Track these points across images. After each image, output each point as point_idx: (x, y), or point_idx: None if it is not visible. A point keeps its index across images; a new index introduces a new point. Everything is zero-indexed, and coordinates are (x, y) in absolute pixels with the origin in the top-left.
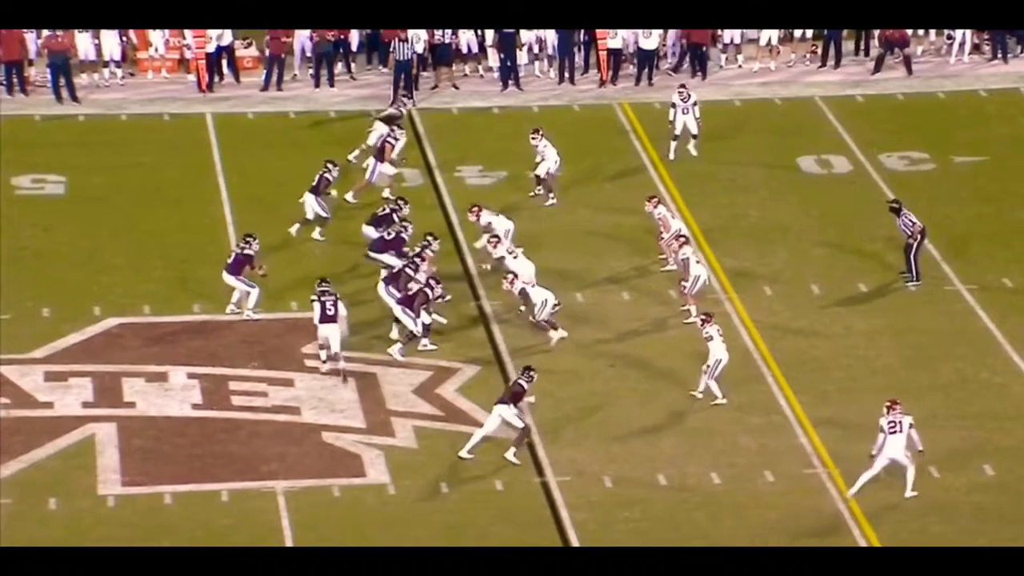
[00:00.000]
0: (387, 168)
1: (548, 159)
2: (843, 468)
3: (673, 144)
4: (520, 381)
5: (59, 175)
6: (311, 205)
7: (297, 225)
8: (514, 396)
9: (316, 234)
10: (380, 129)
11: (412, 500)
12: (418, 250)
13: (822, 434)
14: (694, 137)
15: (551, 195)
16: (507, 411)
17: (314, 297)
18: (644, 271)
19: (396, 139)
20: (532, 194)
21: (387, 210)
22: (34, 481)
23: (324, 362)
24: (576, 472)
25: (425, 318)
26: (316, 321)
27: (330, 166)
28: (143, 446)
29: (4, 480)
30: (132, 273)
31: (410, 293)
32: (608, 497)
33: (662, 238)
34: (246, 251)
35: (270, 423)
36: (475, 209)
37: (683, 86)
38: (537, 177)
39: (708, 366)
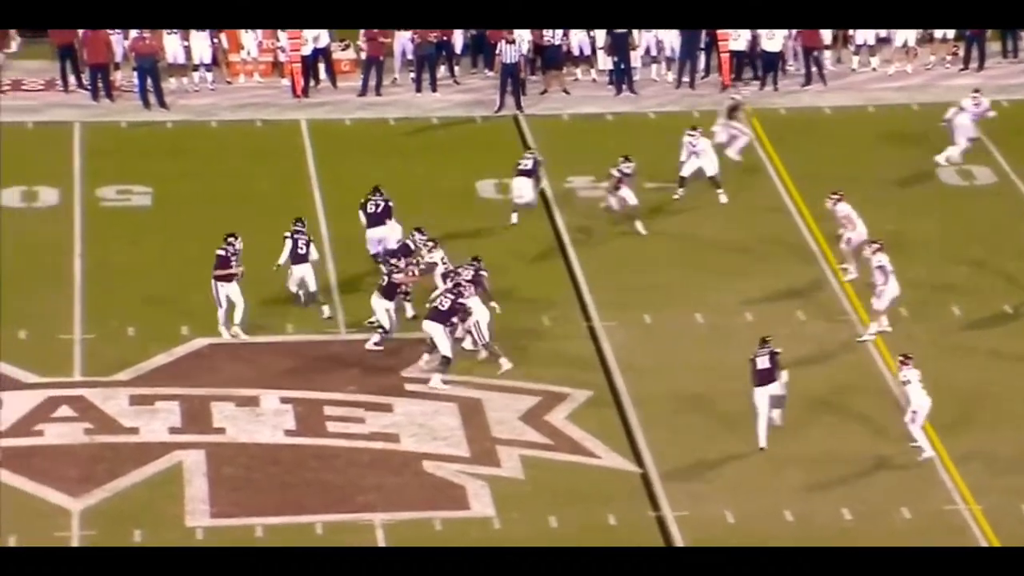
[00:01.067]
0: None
1: (709, 159)
2: (986, 504)
3: (680, 191)
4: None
5: (146, 186)
6: (525, 190)
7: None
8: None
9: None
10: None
11: (519, 535)
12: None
13: (963, 468)
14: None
15: (720, 191)
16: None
17: (287, 234)
18: (767, 285)
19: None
20: (676, 196)
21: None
22: (119, 511)
23: (305, 304)
24: (694, 506)
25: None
26: (285, 258)
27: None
28: (233, 475)
29: (88, 510)
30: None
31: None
32: (730, 534)
33: (846, 240)
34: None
35: (367, 451)
36: None
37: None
38: (682, 179)
39: (913, 413)
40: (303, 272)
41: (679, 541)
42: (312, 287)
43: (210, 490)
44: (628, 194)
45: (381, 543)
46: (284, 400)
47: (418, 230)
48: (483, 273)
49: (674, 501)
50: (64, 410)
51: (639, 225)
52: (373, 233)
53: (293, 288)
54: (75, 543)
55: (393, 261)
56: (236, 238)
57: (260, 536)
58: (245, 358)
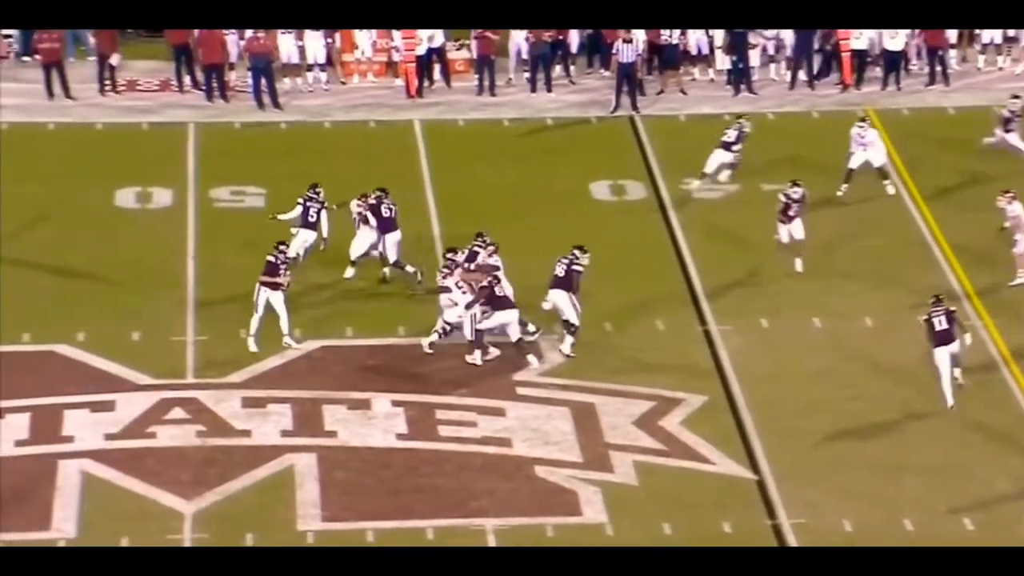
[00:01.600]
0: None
1: (877, 150)
2: None
3: (844, 186)
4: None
5: (259, 187)
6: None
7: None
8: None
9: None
10: None
11: (632, 542)
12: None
13: None
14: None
15: (887, 182)
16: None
17: (300, 200)
18: (886, 290)
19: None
20: (839, 192)
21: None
22: (230, 515)
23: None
24: (812, 514)
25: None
26: (297, 225)
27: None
28: (345, 479)
29: (200, 513)
30: (335, 292)
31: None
32: (848, 542)
33: (1016, 242)
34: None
35: (479, 455)
36: None
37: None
38: (849, 171)
39: None
40: (308, 238)
41: None
42: (303, 254)
43: (321, 494)
44: (797, 227)
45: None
46: (396, 403)
47: (480, 235)
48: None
49: (790, 509)
50: (177, 412)
51: (798, 264)
52: (392, 237)
53: (294, 252)
54: (187, 545)
55: (466, 265)
56: (287, 246)
57: (371, 540)
58: (358, 361)
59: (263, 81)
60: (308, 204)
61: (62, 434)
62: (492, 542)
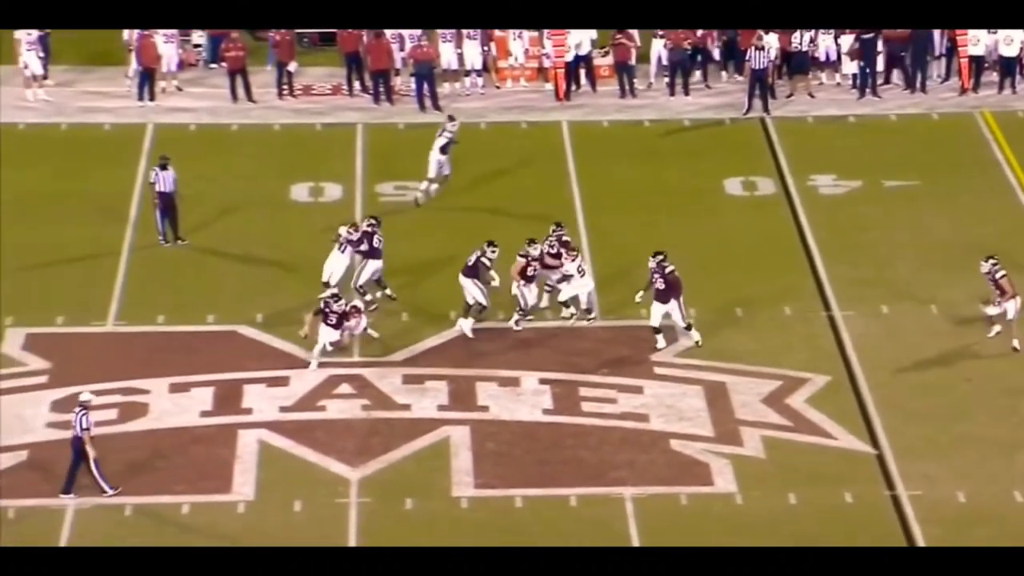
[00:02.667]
0: None
1: None
2: None
3: None
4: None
5: (420, 182)
6: None
7: None
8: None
9: None
10: None
11: (760, 511)
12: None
13: None
14: None
15: None
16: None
17: (363, 230)
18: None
19: None
20: None
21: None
22: (392, 481)
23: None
24: (928, 487)
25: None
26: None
27: None
28: (495, 450)
29: (364, 480)
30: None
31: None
32: (961, 513)
33: None
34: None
35: (619, 430)
36: None
37: None
38: None
39: None
40: (376, 266)
41: (913, 520)
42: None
43: (474, 463)
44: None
45: (630, 516)
46: (543, 381)
47: (558, 224)
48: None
49: (908, 481)
50: (344, 388)
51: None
52: (374, 264)
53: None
54: (352, 510)
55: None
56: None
57: (519, 507)
58: (508, 342)
59: (425, 86)
60: (373, 233)
61: (242, 406)
62: (630, 509)
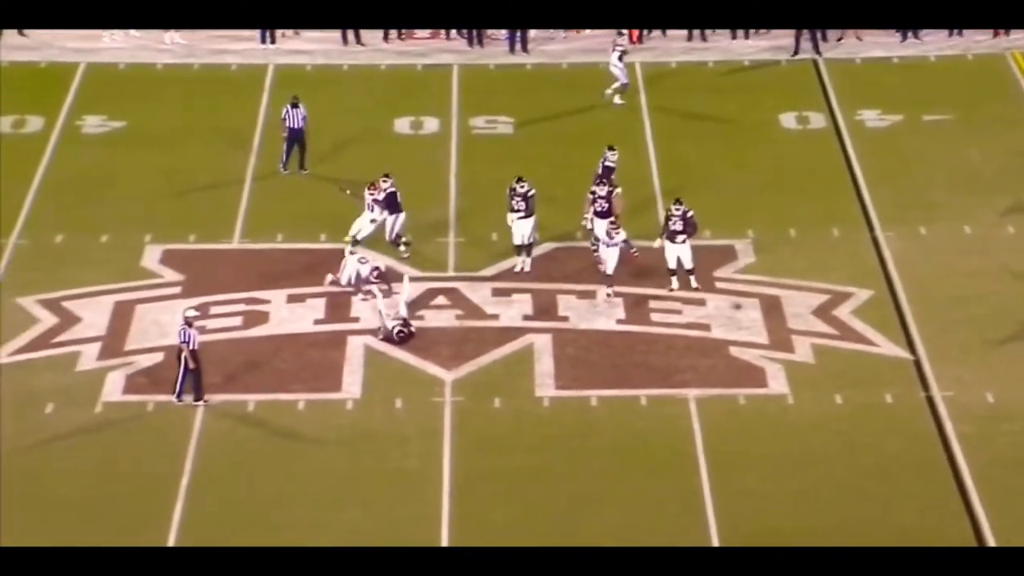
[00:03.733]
0: None
1: None
2: None
3: None
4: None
5: (508, 116)
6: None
7: None
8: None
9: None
10: None
11: (809, 410)
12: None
13: None
14: None
15: None
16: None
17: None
18: None
19: None
20: None
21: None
22: (482, 383)
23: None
24: (960, 388)
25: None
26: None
27: None
28: (574, 355)
29: (458, 381)
30: (568, 203)
31: None
32: (990, 411)
33: None
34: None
35: (684, 338)
36: None
37: None
38: None
39: None
40: (401, 218)
41: (945, 418)
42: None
43: (555, 367)
44: None
45: (694, 415)
46: (616, 294)
47: (610, 148)
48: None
49: (941, 383)
50: (440, 299)
51: None
52: (401, 217)
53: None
54: (447, 408)
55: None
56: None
57: (595, 405)
58: (584, 260)
59: (517, 31)
60: (395, 190)
61: (350, 316)
62: (693, 409)
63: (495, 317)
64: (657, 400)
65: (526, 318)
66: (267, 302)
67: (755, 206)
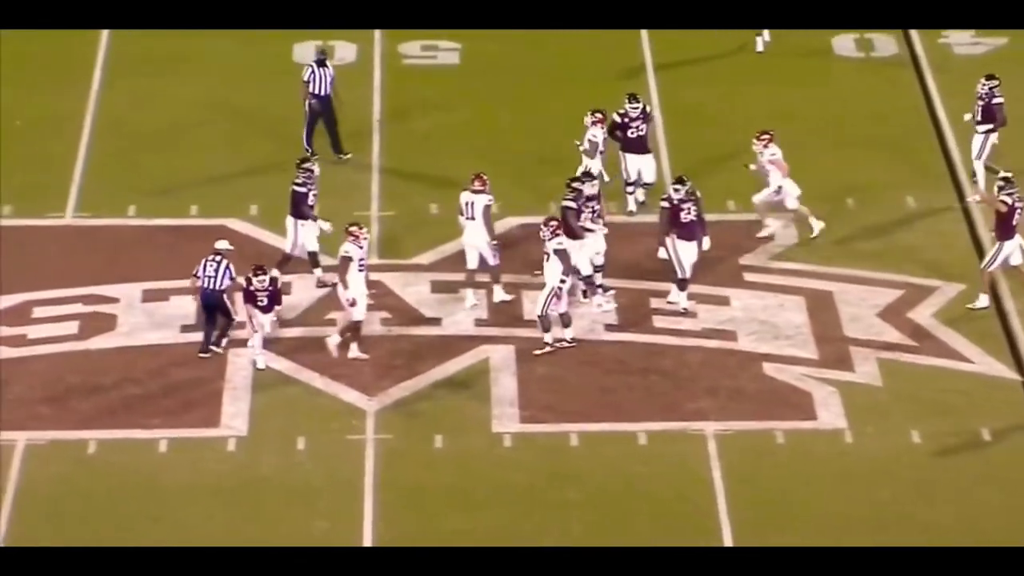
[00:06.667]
0: None
1: None
2: None
3: None
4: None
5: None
6: None
7: None
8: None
9: None
10: None
11: (874, 451)
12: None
13: None
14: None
15: None
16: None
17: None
18: None
19: None
20: None
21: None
22: (418, 414)
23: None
24: None
25: None
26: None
27: None
28: (547, 375)
29: (383, 411)
30: (543, 159)
31: None
32: None
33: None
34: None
35: (699, 350)
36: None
37: None
38: None
39: None
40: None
41: None
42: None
43: (520, 391)
44: None
45: (713, 456)
46: (605, 289)
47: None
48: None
49: None
50: None
51: None
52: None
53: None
54: (369, 450)
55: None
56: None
57: (575, 445)
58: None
59: None
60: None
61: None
62: (713, 449)
63: (436, 322)
64: (662, 437)
65: (479, 323)
66: (114, 300)
67: (798, 166)
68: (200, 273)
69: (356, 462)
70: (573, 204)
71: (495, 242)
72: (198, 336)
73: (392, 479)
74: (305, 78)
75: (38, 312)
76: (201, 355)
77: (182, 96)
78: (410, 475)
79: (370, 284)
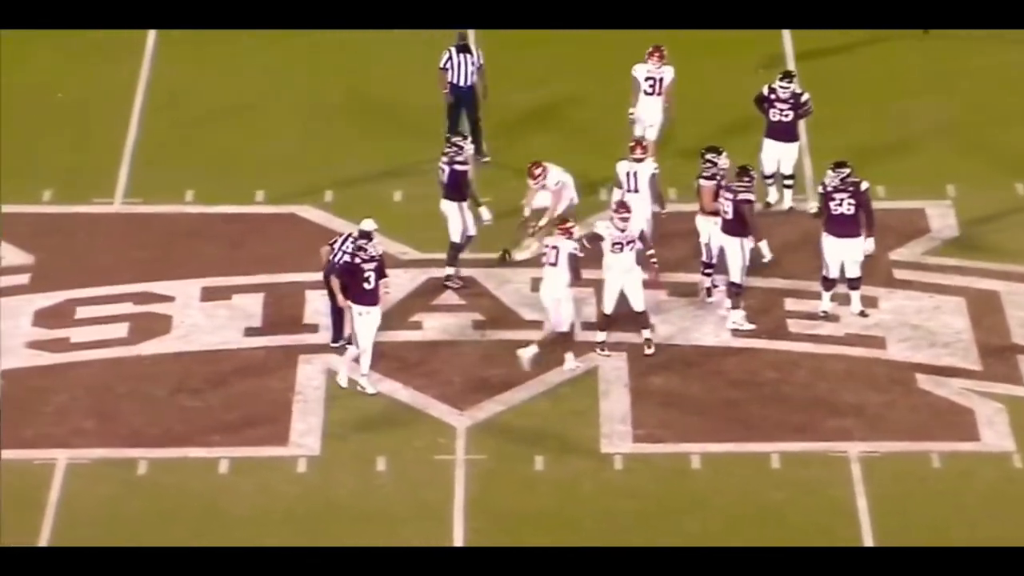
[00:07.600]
0: None
1: None
2: None
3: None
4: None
5: None
6: None
7: None
8: None
9: None
10: None
11: None
12: None
13: None
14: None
15: None
16: None
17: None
18: None
19: None
20: None
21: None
22: (515, 431)
23: None
24: None
25: None
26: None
27: None
28: (665, 387)
29: (475, 427)
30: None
31: None
32: None
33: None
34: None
35: (842, 359)
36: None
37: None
38: None
39: None
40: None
41: None
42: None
43: (633, 406)
44: None
45: (857, 482)
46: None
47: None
48: None
49: None
50: (445, 296)
51: None
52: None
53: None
54: (459, 472)
55: None
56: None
57: (697, 468)
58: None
59: None
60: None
61: (304, 321)
62: (856, 473)
63: (536, 325)
64: (799, 459)
65: (587, 326)
66: (169, 299)
67: (958, 148)
68: (335, 246)
69: (444, 486)
70: (751, 196)
71: (664, 211)
72: (264, 340)
73: (485, 505)
74: (442, 64)
75: (82, 312)
76: (332, 344)
77: (247, 66)
78: (505, 501)
79: (462, 280)
